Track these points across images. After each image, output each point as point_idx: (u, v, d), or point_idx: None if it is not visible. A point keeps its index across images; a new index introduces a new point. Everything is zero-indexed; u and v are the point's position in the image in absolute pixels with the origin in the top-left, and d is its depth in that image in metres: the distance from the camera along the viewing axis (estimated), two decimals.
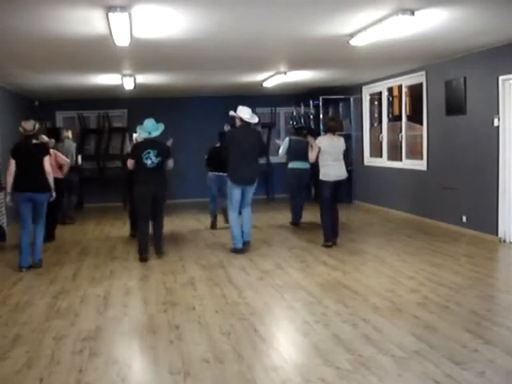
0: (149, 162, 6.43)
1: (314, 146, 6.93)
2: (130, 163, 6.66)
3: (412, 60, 8.09)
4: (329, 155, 6.84)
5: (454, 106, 7.78)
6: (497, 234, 7.02)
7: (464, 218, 7.66)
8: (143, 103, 12.14)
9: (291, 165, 8.64)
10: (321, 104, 11.43)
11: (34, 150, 6.19)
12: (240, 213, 7.01)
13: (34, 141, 6.25)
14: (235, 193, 6.78)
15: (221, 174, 8.34)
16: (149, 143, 6.53)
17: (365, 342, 3.76)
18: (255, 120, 6.88)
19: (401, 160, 9.68)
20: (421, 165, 8.89)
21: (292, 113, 12.49)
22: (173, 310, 4.59)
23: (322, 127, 11.14)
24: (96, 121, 12.38)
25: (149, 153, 6.43)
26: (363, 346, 3.67)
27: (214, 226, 8.73)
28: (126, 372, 3.40)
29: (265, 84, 10.22)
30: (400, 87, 9.69)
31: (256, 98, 12.45)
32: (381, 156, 10.45)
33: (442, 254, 6.46)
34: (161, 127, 6.62)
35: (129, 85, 9.26)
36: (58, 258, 6.73)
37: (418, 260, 6.17)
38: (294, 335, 4.02)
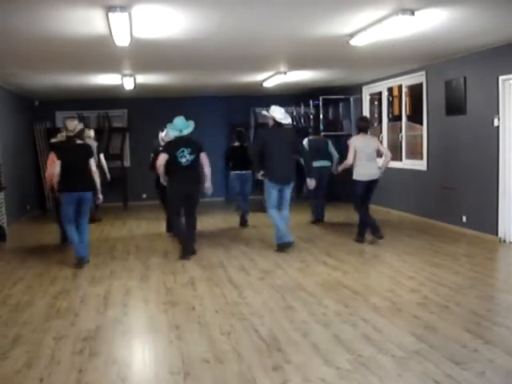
0: (184, 160, 6.39)
1: (349, 148, 6.96)
2: (162, 159, 6.45)
3: (412, 60, 8.09)
4: (363, 155, 6.89)
5: (454, 106, 7.78)
6: (497, 234, 7.02)
7: (464, 218, 7.66)
8: (143, 103, 12.17)
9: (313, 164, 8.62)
10: (321, 104, 11.43)
11: (79, 150, 6.27)
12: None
13: (78, 141, 6.30)
14: (273, 193, 6.67)
15: (243, 172, 8.52)
16: (182, 141, 6.48)
17: (365, 342, 3.76)
18: (288, 120, 6.85)
19: (401, 160, 9.68)
20: (421, 165, 8.90)
21: (292, 113, 12.49)
22: (173, 310, 4.59)
23: (322, 127, 11.16)
24: (96, 121, 12.37)
25: (183, 151, 6.39)
26: (363, 346, 3.67)
27: (243, 221, 8.73)
28: (125, 372, 3.40)
29: (265, 84, 10.22)
30: (400, 87, 9.69)
31: (256, 97, 12.47)
32: (381, 156, 10.42)
33: (442, 253, 6.45)
34: (191, 125, 6.58)
35: (129, 85, 9.26)
36: (58, 258, 6.72)
37: (418, 260, 6.17)
38: (293, 335, 4.02)
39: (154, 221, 9.53)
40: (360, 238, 7.14)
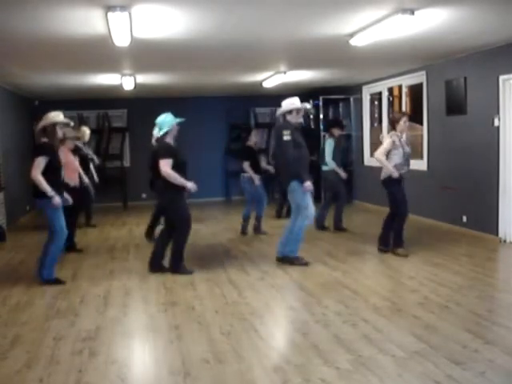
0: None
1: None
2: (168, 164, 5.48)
3: (412, 60, 8.09)
4: None
5: (454, 105, 7.78)
6: (497, 234, 7.02)
7: (464, 218, 7.66)
8: (143, 103, 12.15)
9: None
10: (321, 104, 11.43)
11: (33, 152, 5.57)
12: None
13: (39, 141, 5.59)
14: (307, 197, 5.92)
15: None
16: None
17: (365, 342, 3.76)
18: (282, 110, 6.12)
19: None
20: (421, 165, 8.89)
21: None
22: (173, 310, 4.59)
23: (322, 127, 11.16)
24: (96, 121, 12.37)
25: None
26: (363, 346, 3.67)
27: (244, 230, 8.12)
28: (125, 372, 3.40)
29: (265, 84, 10.21)
30: (400, 87, 9.69)
31: (256, 98, 12.46)
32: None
33: (442, 253, 6.45)
34: (165, 125, 5.54)
35: (129, 85, 9.26)
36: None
37: (418, 260, 6.17)
38: (294, 335, 4.02)
39: None
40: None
